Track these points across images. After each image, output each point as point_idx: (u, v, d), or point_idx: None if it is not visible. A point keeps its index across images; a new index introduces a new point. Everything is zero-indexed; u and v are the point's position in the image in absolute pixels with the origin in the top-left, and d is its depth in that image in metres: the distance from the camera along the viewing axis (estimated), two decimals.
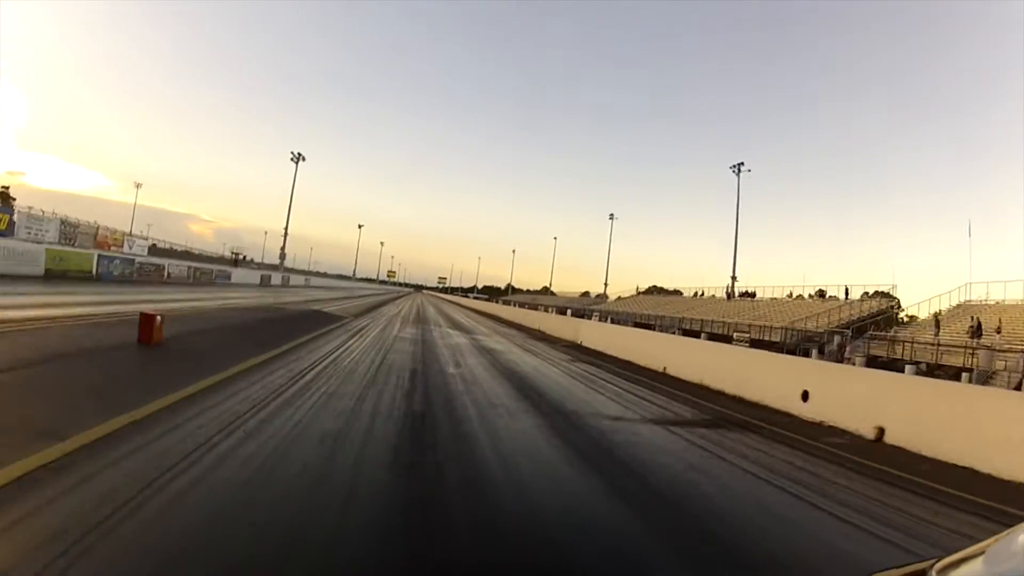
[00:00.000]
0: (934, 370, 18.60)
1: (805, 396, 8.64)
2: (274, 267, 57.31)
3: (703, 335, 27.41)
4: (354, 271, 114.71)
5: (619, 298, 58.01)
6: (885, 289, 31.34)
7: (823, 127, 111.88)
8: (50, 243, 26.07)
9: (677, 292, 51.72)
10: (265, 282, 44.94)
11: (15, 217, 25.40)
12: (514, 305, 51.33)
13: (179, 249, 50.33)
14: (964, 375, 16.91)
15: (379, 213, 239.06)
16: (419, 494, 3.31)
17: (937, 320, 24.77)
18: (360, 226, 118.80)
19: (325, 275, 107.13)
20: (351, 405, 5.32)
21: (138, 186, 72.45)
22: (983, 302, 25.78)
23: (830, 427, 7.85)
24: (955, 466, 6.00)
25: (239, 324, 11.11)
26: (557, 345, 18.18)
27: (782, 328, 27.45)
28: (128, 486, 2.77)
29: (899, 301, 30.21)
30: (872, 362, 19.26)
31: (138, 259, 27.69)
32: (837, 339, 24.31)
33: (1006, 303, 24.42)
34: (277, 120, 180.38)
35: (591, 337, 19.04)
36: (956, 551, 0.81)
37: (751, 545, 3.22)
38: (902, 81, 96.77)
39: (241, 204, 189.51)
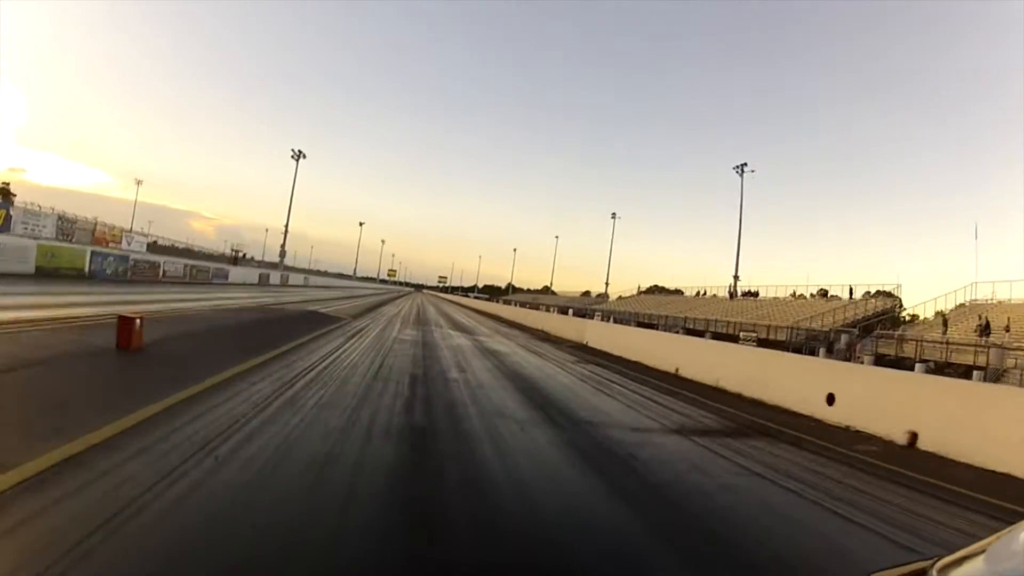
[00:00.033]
0: (943, 368, 18.30)
1: (831, 399, 8.15)
2: (274, 265, 56.77)
3: (708, 334, 26.96)
4: (354, 270, 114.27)
5: (620, 297, 57.56)
6: (890, 289, 31.02)
7: (824, 128, 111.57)
8: (47, 239, 25.58)
9: (678, 292, 51.32)
10: (263, 281, 44.35)
11: (12, 212, 24.93)
12: (515, 304, 50.84)
13: (180, 246, 49.91)
14: (975, 373, 16.57)
15: (380, 212, 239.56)
16: (422, 540, 2.76)
17: (945, 319, 24.47)
18: (361, 224, 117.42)
19: (325, 274, 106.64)
20: (342, 424, 4.67)
21: (139, 183, 72.16)
22: (988, 301, 25.44)
23: (858, 432, 7.45)
24: (995, 473, 5.66)
25: (229, 327, 10.58)
26: (562, 346, 17.67)
27: (787, 327, 27.01)
28: (72, 530, 2.25)
29: (901, 300, 29.88)
30: (880, 361, 18.97)
31: (132, 256, 27.10)
32: (845, 338, 23.85)
33: (1012, 302, 24.28)
34: (277, 120, 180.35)
35: (597, 337, 18.52)
36: (957, 549, 0.79)
37: None
38: (904, 83, 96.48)
39: (242, 202, 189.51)
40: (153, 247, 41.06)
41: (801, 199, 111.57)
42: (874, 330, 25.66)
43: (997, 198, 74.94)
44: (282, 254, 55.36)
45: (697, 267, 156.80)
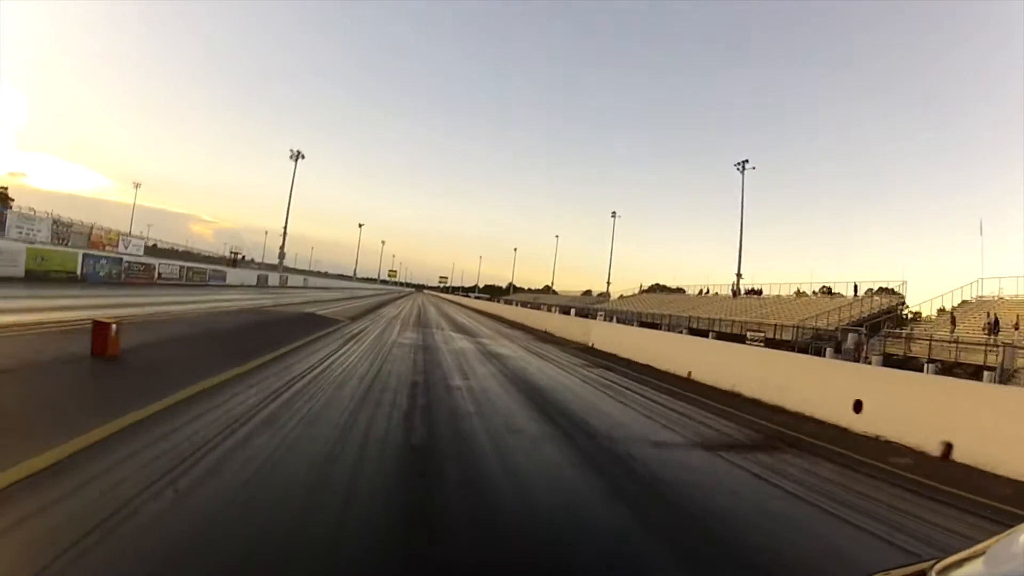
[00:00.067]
0: (953, 368, 17.79)
1: (858, 407, 7.64)
2: (273, 267, 56.29)
3: (711, 334, 26.46)
4: (355, 271, 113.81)
5: (621, 297, 57.14)
6: (895, 286, 30.49)
7: (824, 128, 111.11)
8: (41, 243, 25.19)
9: (680, 290, 50.89)
10: (262, 283, 43.86)
11: (8, 217, 24.53)
12: (516, 304, 50.35)
13: (179, 249, 49.58)
14: (986, 373, 16.07)
15: (380, 213, 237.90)
16: None
17: (953, 317, 23.98)
18: (360, 225, 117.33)
19: (325, 275, 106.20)
20: (330, 445, 4.09)
21: (136, 186, 71.85)
22: (995, 297, 24.94)
23: (887, 442, 6.97)
24: None
25: (220, 330, 10.07)
26: (567, 347, 17.17)
27: (792, 326, 26.51)
28: None
29: (904, 298, 29.37)
30: (888, 361, 18.50)
31: (127, 259, 26.61)
32: (852, 337, 23.26)
33: (1019, 298, 23.89)
34: (277, 120, 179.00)
35: (603, 339, 17.99)
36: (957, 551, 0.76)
37: None
38: (906, 81, 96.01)
39: (242, 204, 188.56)
40: (152, 250, 40.65)
41: (802, 198, 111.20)
42: (881, 328, 25.15)
43: (998, 197, 74.35)
44: (281, 255, 54.88)
45: (698, 266, 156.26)
